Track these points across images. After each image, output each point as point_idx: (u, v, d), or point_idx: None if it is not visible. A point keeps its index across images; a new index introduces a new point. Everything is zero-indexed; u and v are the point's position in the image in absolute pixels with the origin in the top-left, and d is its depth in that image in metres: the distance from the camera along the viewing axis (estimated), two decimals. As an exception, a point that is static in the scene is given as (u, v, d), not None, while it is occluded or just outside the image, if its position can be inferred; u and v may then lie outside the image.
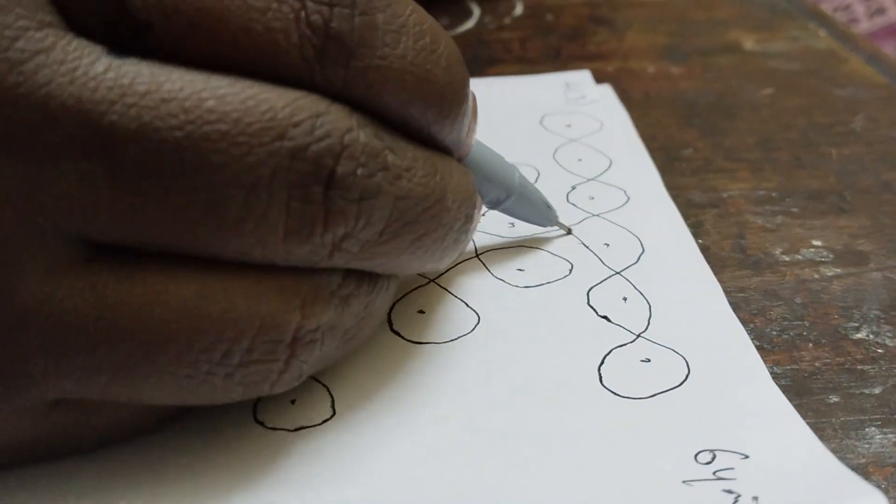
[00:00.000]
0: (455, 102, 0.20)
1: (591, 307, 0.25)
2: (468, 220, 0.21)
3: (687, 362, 0.23)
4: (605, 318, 0.24)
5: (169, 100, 0.15)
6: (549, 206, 0.27)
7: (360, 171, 0.17)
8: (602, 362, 0.23)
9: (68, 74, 0.15)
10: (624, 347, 0.23)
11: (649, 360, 0.23)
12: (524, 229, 0.28)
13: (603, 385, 0.22)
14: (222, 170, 0.16)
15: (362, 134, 0.17)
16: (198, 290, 0.17)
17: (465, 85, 0.20)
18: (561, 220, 0.28)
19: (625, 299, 0.25)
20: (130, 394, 0.17)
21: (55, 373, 0.16)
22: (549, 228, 0.28)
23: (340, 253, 0.18)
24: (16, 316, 0.16)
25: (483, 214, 0.27)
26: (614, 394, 0.22)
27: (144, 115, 0.15)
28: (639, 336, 0.24)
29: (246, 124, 0.16)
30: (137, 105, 0.15)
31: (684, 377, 0.22)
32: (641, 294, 0.25)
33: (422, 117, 0.19)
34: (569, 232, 0.28)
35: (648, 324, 0.24)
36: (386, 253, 0.19)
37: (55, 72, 0.15)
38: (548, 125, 0.34)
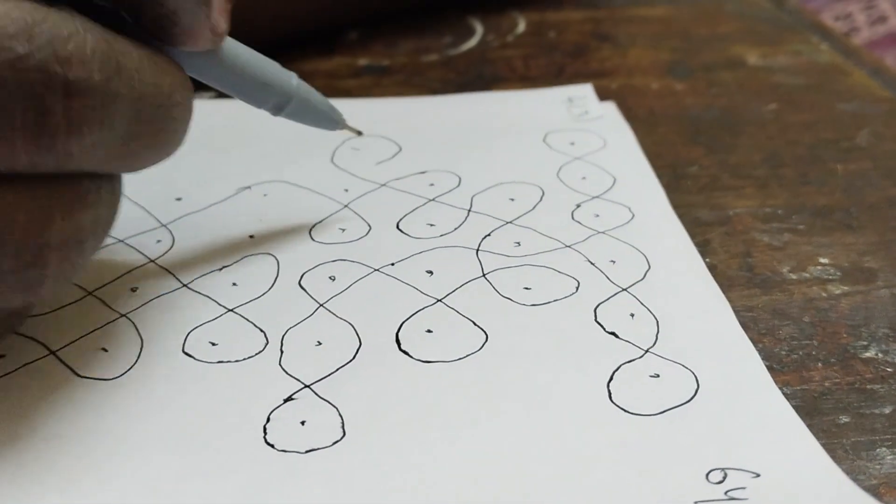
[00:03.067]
0: None
1: (599, 324, 0.25)
2: (190, 112, 0.22)
3: (696, 377, 0.23)
4: (612, 334, 0.24)
5: None
6: (333, 109, 0.28)
7: (96, 77, 0.17)
8: (611, 378, 0.23)
9: None
10: (633, 363, 0.23)
11: (658, 376, 0.23)
12: (530, 248, 0.28)
13: (612, 402, 0.22)
14: None
15: (90, 37, 0.17)
16: None
17: None
18: (562, 237, 0.28)
19: (632, 315, 0.25)
20: None
21: None
22: (339, 132, 0.29)
23: (88, 158, 0.18)
24: None
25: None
26: (624, 410, 0.22)
27: None
28: (647, 351, 0.24)
29: None
30: None
31: (693, 392, 0.22)
32: (649, 310, 0.25)
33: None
34: (359, 133, 0.30)
35: (656, 339, 0.24)
36: (132, 153, 0.20)
37: None
38: (551, 143, 0.34)
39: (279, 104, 0.26)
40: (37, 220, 0.18)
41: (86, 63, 0.17)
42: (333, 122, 0.28)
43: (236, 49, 0.24)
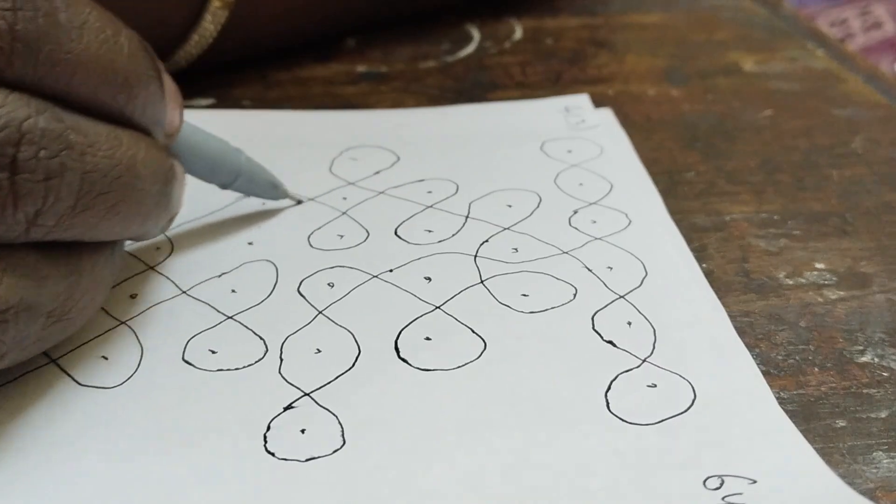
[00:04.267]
0: (140, 85, 0.22)
1: (597, 332, 0.25)
2: (165, 184, 0.23)
3: (693, 387, 0.23)
4: (610, 342, 0.25)
5: None
6: (275, 186, 0.30)
7: (41, 154, 0.19)
8: (609, 388, 0.23)
9: None
10: (630, 373, 0.24)
11: (655, 386, 0.23)
12: (527, 254, 0.28)
13: (610, 411, 0.22)
14: None
15: (41, 119, 0.19)
16: None
17: (149, 70, 0.22)
18: (560, 243, 0.29)
19: (629, 323, 0.25)
20: None
21: None
22: (282, 201, 0.31)
23: (37, 227, 0.19)
24: None
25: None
26: (622, 420, 0.22)
27: None
28: (644, 361, 0.24)
29: None
30: None
31: (690, 402, 0.22)
32: (646, 318, 0.25)
33: (113, 101, 0.21)
34: (299, 202, 0.31)
35: (654, 348, 0.24)
36: (84, 222, 0.20)
37: None
38: (549, 151, 0.35)
39: (225, 183, 0.28)
40: None
41: (34, 143, 0.19)
42: (276, 195, 0.30)
43: (191, 135, 0.26)
